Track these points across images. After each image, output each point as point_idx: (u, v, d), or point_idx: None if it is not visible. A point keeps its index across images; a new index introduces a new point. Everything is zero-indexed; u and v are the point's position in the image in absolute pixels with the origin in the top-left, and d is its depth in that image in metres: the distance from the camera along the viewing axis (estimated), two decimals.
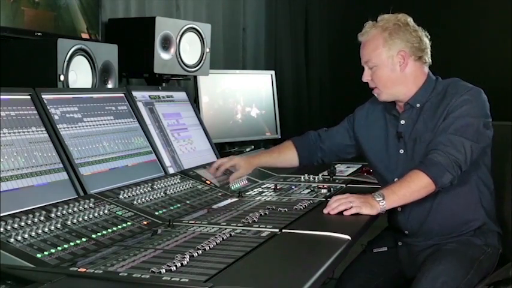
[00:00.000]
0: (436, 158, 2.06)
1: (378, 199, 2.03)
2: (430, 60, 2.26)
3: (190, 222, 1.92)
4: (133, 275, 1.38)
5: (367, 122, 2.41)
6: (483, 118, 2.15)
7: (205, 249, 1.57)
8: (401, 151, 2.26)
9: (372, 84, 2.25)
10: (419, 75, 2.23)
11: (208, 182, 2.45)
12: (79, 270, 1.42)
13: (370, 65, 2.22)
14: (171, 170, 2.50)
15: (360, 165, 2.98)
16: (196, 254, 1.52)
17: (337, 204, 2.03)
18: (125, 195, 2.04)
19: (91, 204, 1.87)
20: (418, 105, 2.23)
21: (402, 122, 2.26)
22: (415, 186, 2.06)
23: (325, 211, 2.03)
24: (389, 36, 2.18)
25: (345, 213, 2.01)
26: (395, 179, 2.21)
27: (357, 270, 2.32)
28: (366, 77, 2.24)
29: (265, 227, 1.83)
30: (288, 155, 2.53)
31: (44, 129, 2.00)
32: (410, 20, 2.23)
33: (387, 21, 2.20)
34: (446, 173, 2.05)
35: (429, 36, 2.24)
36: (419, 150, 2.19)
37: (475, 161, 2.15)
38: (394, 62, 2.19)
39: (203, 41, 3.16)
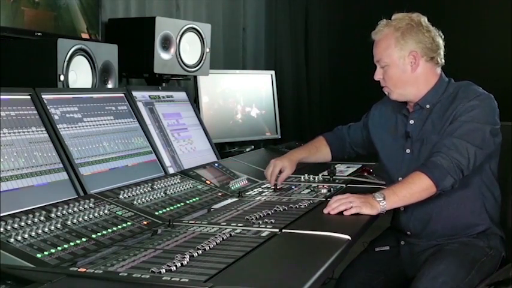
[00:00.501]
0: (438, 160, 2.06)
1: (378, 199, 2.03)
2: (443, 61, 2.25)
3: (190, 222, 1.92)
4: (133, 275, 1.38)
5: (379, 120, 2.43)
6: (491, 125, 2.14)
7: (205, 249, 1.57)
8: (408, 151, 2.26)
9: (383, 83, 2.25)
10: (430, 76, 2.23)
11: (208, 182, 2.45)
12: (79, 270, 1.42)
13: (382, 64, 2.22)
14: (171, 170, 2.50)
15: (360, 165, 2.98)
16: (196, 254, 1.52)
17: (337, 204, 2.03)
18: (125, 195, 2.04)
19: (91, 204, 1.87)
20: (427, 106, 2.23)
21: (411, 121, 2.26)
22: (416, 187, 2.06)
23: (325, 211, 2.03)
24: (401, 36, 2.17)
25: (345, 213, 2.01)
26: (400, 178, 2.21)
27: (358, 268, 2.32)
28: (377, 76, 2.25)
29: (265, 227, 1.83)
30: (323, 151, 2.60)
31: (44, 129, 2.00)
32: (424, 19, 2.22)
33: (400, 20, 2.20)
34: (448, 176, 2.04)
35: (443, 37, 2.24)
36: (425, 151, 2.19)
37: (479, 166, 2.15)
38: (406, 63, 2.19)
39: (203, 41, 3.16)
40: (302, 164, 2.59)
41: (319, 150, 2.59)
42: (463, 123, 2.11)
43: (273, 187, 2.48)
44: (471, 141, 2.09)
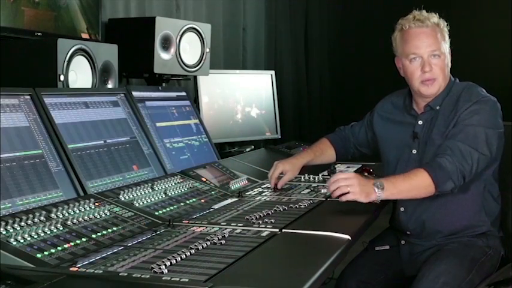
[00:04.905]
0: (444, 162, 2.05)
1: (376, 189, 2.00)
2: None
3: (190, 222, 1.92)
4: (133, 275, 1.38)
5: (385, 119, 2.41)
6: (495, 129, 2.14)
7: (205, 249, 1.57)
8: (414, 151, 2.25)
9: (430, 75, 2.18)
10: (449, 76, 2.26)
11: (208, 182, 2.45)
12: (79, 270, 1.42)
13: (437, 53, 2.18)
14: (171, 170, 2.50)
15: (360, 165, 2.97)
16: (197, 254, 1.52)
17: (335, 187, 2.01)
18: (125, 195, 2.04)
19: (91, 204, 1.87)
20: (437, 107, 2.22)
21: (420, 122, 2.26)
22: (416, 183, 2.05)
23: (325, 190, 2.01)
24: (444, 31, 2.22)
25: (341, 198, 1.99)
26: None
27: (358, 268, 2.32)
28: (428, 67, 2.17)
29: (265, 227, 1.83)
30: (328, 153, 2.60)
31: (44, 129, 2.00)
32: None
33: (433, 17, 2.22)
34: (449, 180, 2.04)
35: None
36: (429, 152, 2.18)
37: (480, 171, 2.14)
38: (448, 58, 2.23)
39: (203, 41, 3.16)
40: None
41: (324, 152, 2.59)
42: (466, 127, 2.11)
43: (273, 188, 2.48)
44: (475, 147, 2.08)
